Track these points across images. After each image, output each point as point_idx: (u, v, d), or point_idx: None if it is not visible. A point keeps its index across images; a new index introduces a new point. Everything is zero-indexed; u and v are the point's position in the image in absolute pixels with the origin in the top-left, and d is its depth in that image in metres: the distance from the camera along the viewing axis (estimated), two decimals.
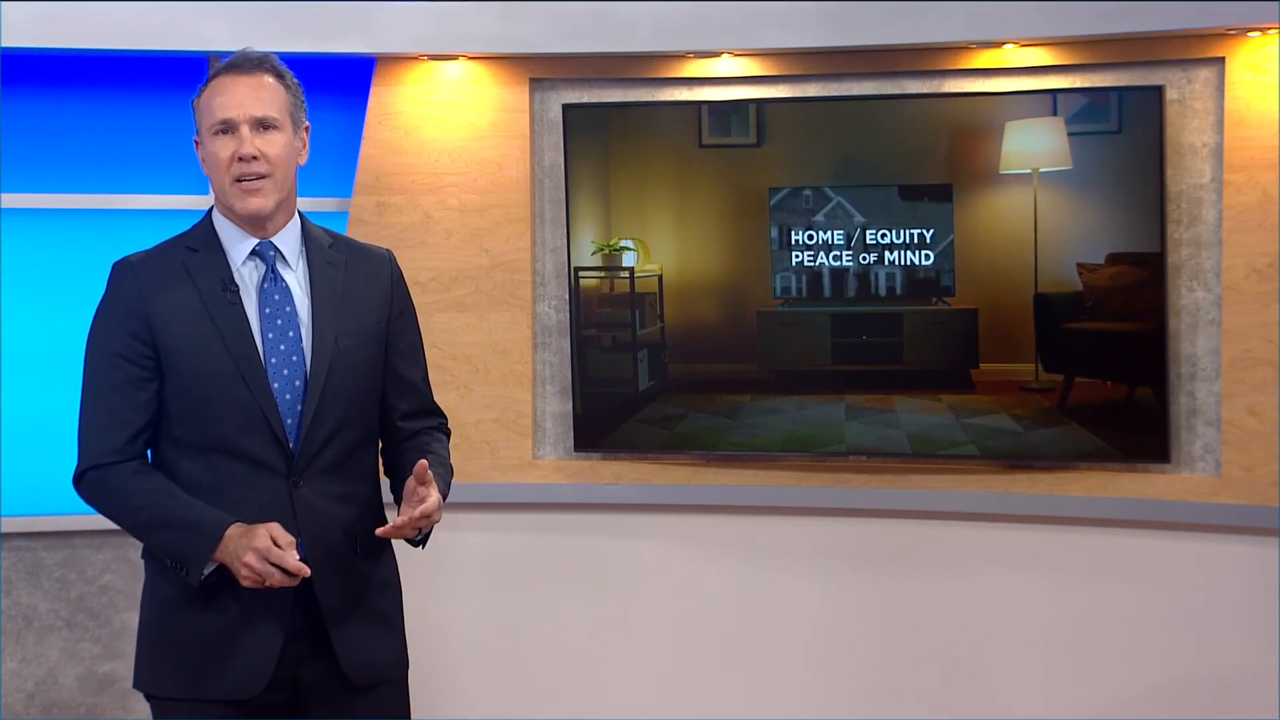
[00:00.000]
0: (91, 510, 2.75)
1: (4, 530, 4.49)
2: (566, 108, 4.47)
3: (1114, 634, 4.30)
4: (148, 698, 2.76)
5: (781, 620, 4.52)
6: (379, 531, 2.69)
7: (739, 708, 4.54)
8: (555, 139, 4.52)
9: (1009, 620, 4.38)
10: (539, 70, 4.50)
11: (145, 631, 2.77)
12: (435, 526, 2.72)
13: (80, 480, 2.73)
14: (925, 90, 4.36)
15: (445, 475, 2.80)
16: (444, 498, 2.73)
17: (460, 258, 4.54)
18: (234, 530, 2.60)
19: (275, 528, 2.59)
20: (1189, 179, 4.19)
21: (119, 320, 2.70)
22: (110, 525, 2.77)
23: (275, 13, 4.29)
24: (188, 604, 2.68)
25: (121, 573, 4.56)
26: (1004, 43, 4.23)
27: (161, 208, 4.58)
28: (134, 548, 4.48)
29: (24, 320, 4.56)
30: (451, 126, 4.52)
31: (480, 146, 4.52)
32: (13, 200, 4.53)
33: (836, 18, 4.23)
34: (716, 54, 4.40)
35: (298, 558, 2.58)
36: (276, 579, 2.57)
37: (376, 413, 2.83)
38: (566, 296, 4.54)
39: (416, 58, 4.45)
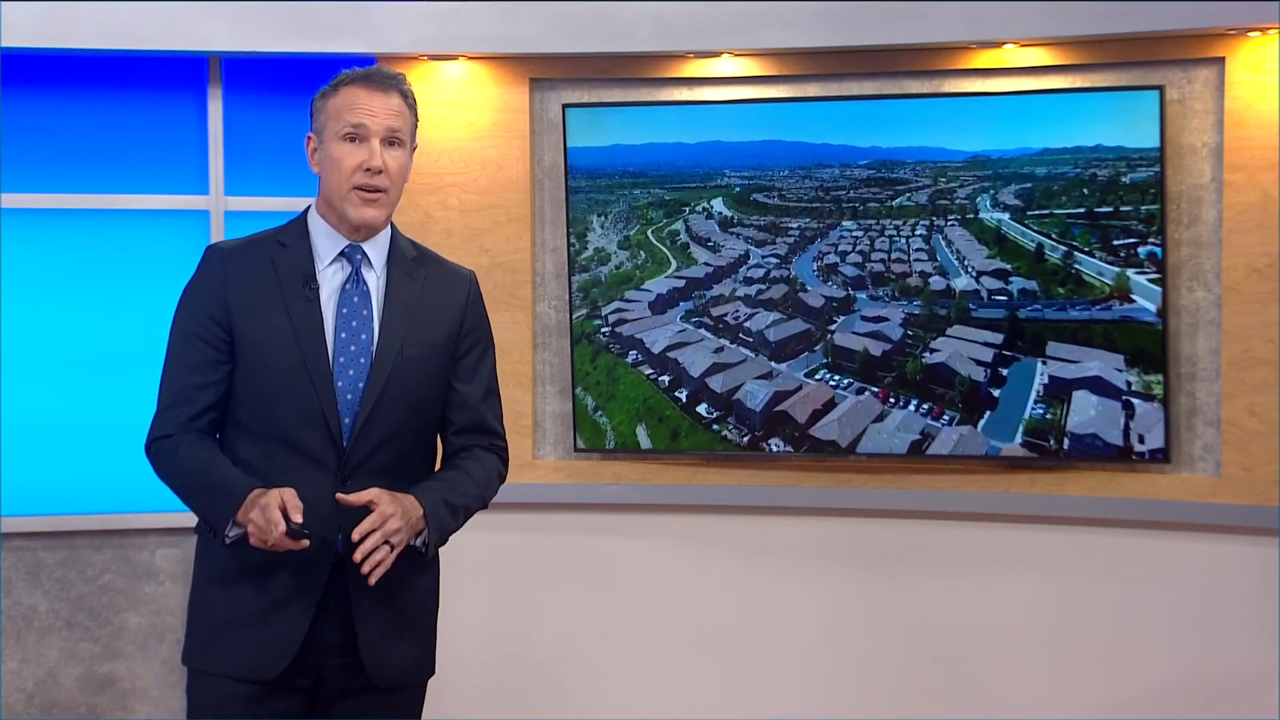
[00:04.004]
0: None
1: (4, 530, 4.48)
2: (566, 108, 4.47)
3: (1114, 634, 4.30)
4: (188, 669, 2.84)
5: (781, 620, 4.52)
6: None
7: (739, 708, 4.54)
8: (555, 139, 4.52)
9: (1009, 620, 4.38)
10: (539, 70, 4.50)
11: (190, 607, 2.86)
12: (436, 524, 2.72)
13: (149, 449, 2.81)
14: (925, 90, 4.36)
15: (459, 489, 2.80)
16: (463, 512, 2.78)
17: (460, 258, 4.43)
18: (255, 493, 2.66)
19: (289, 492, 2.63)
20: (1189, 179, 4.19)
21: (201, 303, 2.77)
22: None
23: (275, 13, 4.29)
24: (225, 582, 2.75)
25: (121, 573, 4.56)
26: (1004, 43, 4.23)
27: (161, 208, 4.58)
28: (134, 548, 4.51)
29: (24, 320, 4.56)
30: (451, 126, 4.52)
31: (480, 146, 4.52)
32: (13, 200, 4.53)
33: (836, 18, 4.23)
34: (716, 54, 4.40)
35: (299, 523, 2.59)
36: (275, 535, 2.58)
37: (437, 425, 2.87)
38: (566, 296, 4.54)
39: (416, 58, 4.45)
